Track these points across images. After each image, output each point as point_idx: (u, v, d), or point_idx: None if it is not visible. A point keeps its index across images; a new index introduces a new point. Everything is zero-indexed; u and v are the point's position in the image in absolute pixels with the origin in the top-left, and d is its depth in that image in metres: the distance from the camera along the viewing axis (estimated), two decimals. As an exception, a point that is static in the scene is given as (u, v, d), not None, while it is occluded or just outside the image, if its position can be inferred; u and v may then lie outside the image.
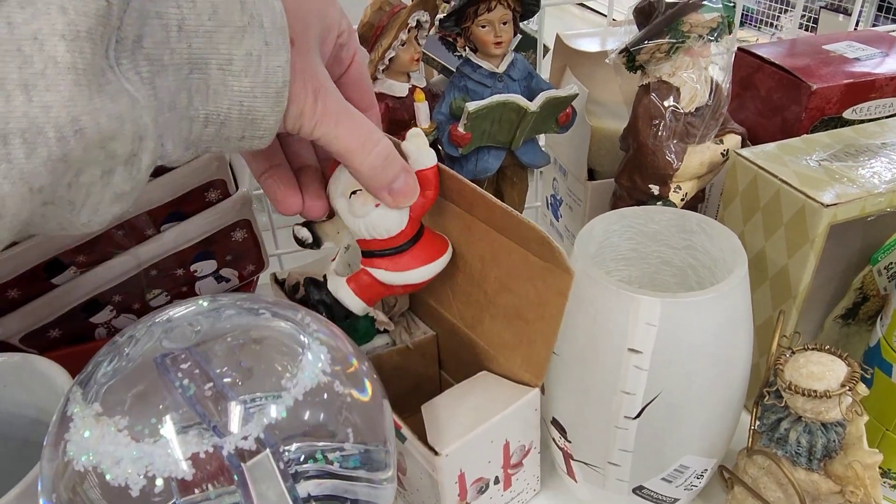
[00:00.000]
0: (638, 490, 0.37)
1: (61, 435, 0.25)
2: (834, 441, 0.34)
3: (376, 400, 0.30)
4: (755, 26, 3.21)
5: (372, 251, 0.35)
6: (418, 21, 0.46)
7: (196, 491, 0.24)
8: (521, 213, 0.58)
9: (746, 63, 0.59)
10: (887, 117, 0.56)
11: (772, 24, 3.03)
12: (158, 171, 0.42)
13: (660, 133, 0.46)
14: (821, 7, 2.30)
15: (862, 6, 1.40)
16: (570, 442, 0.38)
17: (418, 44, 0.48)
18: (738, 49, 0.60)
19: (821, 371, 0.33)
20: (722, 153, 0.47)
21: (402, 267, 0.35)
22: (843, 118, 0.55)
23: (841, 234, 0.41)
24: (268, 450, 0.25)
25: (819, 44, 0.60)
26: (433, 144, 0.50)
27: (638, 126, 0.47)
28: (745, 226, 0.44)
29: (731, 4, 0.45)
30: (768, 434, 0.36)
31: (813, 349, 0.35)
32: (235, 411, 0.25)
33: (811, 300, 0.43)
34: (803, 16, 2.18)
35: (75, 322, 0.45)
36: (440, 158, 0.52)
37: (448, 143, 0.48)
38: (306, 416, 0.26)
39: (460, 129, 0.47)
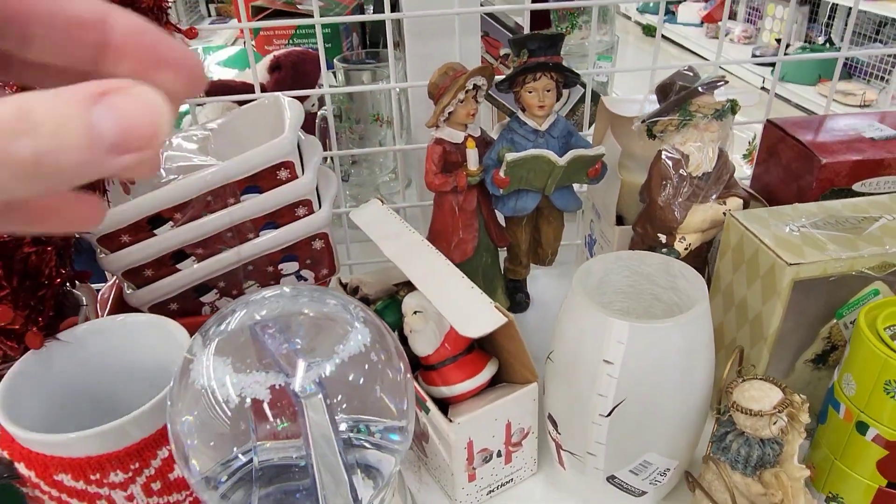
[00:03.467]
0: (611, 479, 0.46)
1: (187, 367, 0.36)
2: (769, 455, 0.42)
3: (403, 372, 0.40)
4: (864, 79, 3.15)
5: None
6: (475, 84, 0.57)
7: (271, 412, 0.35)
8: (557, 248, 0.68)
9: (773, 134, 0.67)
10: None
11: (882, 78, 2.96)
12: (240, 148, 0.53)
13: (668, 192, 0.54)
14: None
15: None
16: (560, 434, 0.47)
17: (476, 102, 0.58)
18: (767, 121, 0.68)
19: (759, 395, 0.41)
20: (724, 212, 0.55)
21: (430, 381, 0.49)
22: (852, 190, 0.62)
23: (809, 289, 0.49)
24: (320, 394, 0.36)
25: (843, 121, 0.67)
26: (480, 183, 0.61)
27: (651, 184, 0.56)
28: (734, 275, 0.52)
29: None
30: (717, 443, 0.43)
31: (760, 379, 0.43)
32: (301, 365, 0.36)
33: (783, 343, 0.50)
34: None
35: (188, 300, 0.58)
36: (487, 194, 0.63)
37: (491, 183, 0.59)
38: (350, 374, 0.37)
39: (501, 174, 0.57)
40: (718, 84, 0.51)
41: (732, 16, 4.35)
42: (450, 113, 0.58)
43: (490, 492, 0.50)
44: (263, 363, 0.36)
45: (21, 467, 0.39)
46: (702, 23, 4.10)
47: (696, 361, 0.43)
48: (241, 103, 0.67)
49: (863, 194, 0.62)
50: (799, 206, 0.54)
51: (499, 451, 0.48)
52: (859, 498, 0.46)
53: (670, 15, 4.17)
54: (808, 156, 0.61)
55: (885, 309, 0.45)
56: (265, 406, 0.35)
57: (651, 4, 4.31)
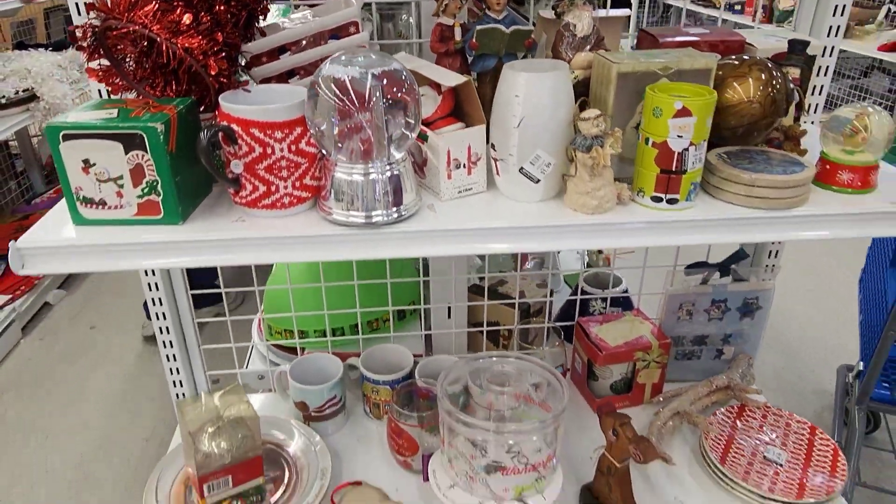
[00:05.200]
0: (521, 170, 0.88)
1: (317, 74, 0.79)
2: (595, 143, 0.84)
3: (418, 92, 0.83)
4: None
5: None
6: (461, -12, 1.01)
7: (354, 90, 0.77)
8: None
9: (643, 37, 1.11)
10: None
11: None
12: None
13: (564, 45, 0.98)
14: None
15: None
16: (496, 151, 0.90)
17: (462, 2, 1.03)
18: (640, 29, 1.13)
19: (590, 112, 0.84)
20: (595, 55, 0.99)
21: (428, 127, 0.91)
22: (682, 62, 1.05)
23: (631, 84, 0.91)
24: (379, 84, 0.79)
25: (682, 30, 1.11)
26: (461, 50, 1.05)
27: (556, 42, 0.99)
28: (599, 86, 0.95)
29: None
30: (573, 141, 0.86)
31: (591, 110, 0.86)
32: (368, 71, 0.79)
33: (619, 118, 0.93)
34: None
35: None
36: (466, 61, 1.06)
37: (468, 48, 1.03)
38: (396, 80, 0.80)
39: (474, 40, 1.01)
40: (588, -19, 0.96)
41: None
42: (446, 6, 1.02)
43: (459, 192, 0.92)
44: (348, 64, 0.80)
45: (234, 126, 0.82)
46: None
47: (561, 98, 0.85)
48: (312, 6, 1.12)
49: (688, 65, 1.05)
50: (635, 51, 0.97)
51: (464, 164, 0.91)
52: (650, 184, 0.88)
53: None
54: (655, 41, 1.06)
55: (659, 86, 0.88)
56: (350, 85, 0.78)
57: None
